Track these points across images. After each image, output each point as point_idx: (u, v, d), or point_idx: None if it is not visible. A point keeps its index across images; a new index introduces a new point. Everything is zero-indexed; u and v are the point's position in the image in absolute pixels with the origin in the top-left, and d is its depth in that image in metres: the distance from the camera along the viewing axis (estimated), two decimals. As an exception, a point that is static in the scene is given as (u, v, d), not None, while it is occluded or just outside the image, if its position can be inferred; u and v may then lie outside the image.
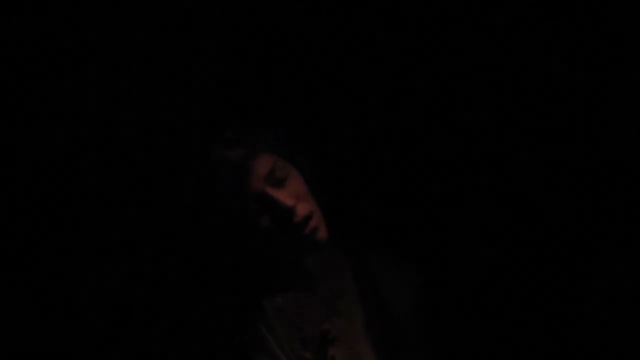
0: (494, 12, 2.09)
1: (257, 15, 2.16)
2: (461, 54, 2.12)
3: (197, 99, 2.11)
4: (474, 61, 2.12)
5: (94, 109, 2.08)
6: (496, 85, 2.11)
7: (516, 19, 2.09)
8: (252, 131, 1.82)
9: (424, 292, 1.85)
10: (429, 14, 2.12)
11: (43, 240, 2.06)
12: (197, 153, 1.85)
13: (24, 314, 2.05)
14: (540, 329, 2.02)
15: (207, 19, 2.15)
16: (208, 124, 2.05)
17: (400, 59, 2.15)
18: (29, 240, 2.06)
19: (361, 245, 1.88)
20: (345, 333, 1.75)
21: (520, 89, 2.10)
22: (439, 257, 2.07)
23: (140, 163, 2.08)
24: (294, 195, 1.72)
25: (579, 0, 2.03)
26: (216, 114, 2.10)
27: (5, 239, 2.06)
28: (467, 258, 2.08)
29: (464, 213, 2.10)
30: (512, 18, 2.09)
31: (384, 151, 2.15)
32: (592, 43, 2.04)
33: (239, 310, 1.76)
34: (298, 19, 2.15)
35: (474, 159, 2.11)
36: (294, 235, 1.71)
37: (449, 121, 2.13)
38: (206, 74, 2.13)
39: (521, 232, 2.07)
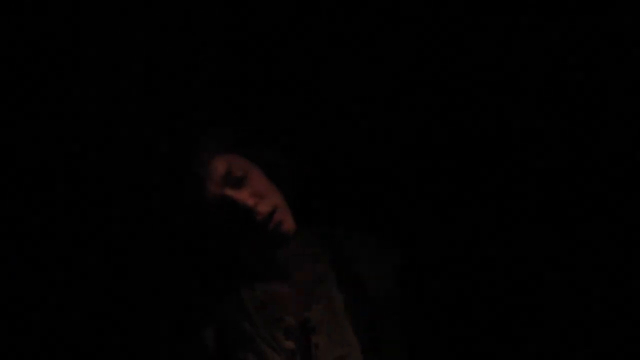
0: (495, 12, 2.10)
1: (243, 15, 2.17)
2: (455, 54, 2.13)
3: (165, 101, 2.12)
4: (466, 61, 2.13)
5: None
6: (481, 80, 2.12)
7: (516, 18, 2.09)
8: (206, 133, 1.82)
9: (402, 275, 1.85)
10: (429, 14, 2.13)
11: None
12: (161, 162, 1.86)
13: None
14: (514, 314, 2.04)
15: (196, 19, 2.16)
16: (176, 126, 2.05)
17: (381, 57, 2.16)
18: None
19: (337, 230, 1.88)
20: (326, 319, 1.76)
21: (516, 88, 2.11)
22: (418, 241, 2.09)
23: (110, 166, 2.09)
24: (254, 194, 1.72)
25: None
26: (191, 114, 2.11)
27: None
28: (447, 244, 2.10)
29: (444, 197, 2.12)
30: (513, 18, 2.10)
31: (360, 136, 2.17)
32: (592, 43, 2.05)
33: (220, 308, 1.76)
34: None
35: (450, 143, 2.13)
36: (259, 233, 1.72)
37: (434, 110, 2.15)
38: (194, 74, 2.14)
39: (502, 220, 2.09)
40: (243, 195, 1.72)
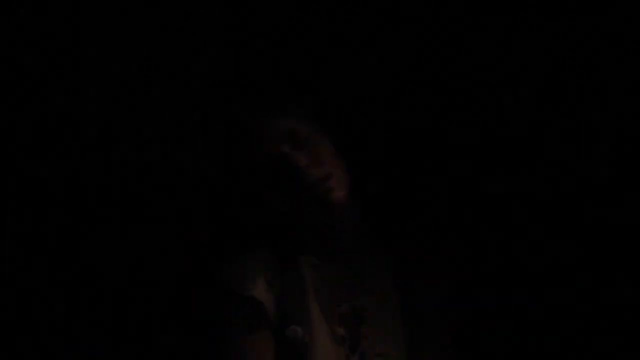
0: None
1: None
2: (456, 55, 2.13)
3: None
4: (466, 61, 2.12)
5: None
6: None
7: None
8: (283, 99, 1.82)
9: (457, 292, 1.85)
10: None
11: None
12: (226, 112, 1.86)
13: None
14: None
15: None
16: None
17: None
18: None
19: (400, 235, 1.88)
20: (380, 312, 1.76)
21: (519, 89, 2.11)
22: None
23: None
24: (313, 158, 1.72)
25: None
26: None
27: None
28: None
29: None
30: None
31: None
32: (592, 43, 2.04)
33: (281, 280, 1.75)
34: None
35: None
36: (308, 196, 1.71)
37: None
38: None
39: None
40: (299, 154, 1.71)
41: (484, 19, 2.10)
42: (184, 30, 2.13)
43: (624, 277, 2.00)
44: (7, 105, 2.09)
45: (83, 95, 2.11)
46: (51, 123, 2.11)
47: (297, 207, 1.73)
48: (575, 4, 2.03)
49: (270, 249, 1.77)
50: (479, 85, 2.11)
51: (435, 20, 2.13)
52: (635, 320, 1.97)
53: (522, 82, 2.10)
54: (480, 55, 2.11)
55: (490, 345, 2.03)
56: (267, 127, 1.74)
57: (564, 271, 2.03)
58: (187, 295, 2.06)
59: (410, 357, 1.76)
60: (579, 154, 2.06)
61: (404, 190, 2.13)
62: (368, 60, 2.15)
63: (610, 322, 1.99)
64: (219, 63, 2.12)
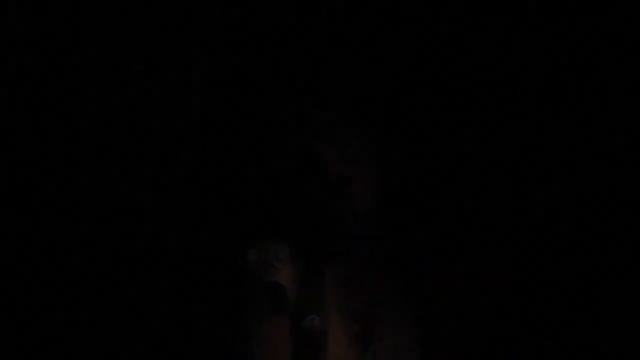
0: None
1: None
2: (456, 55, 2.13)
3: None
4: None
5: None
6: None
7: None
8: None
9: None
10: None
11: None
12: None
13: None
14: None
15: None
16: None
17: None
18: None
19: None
20: (395, 315, 1.79)
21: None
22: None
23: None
24: (342, 155, 1.76)
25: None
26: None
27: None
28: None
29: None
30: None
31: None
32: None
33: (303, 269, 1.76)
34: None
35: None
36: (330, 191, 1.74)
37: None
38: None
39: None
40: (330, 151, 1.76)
41: (484, 19, 2.11)
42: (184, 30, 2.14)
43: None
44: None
45: (83, 95, 2.11)
46: (51, 123, 2.11)
47: (321, 201, 1.76)
48: (575, 4, 2.04)
49: (295, 240, 1.77)
50: (481, 85, 2.12)
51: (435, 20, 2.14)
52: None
53: (522, 82, 2.10)
54: (481, 55, 2.12)
55: (501, 344, 2.05)
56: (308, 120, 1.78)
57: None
58: (212, 279, 2.06)
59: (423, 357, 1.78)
60: (578, 155, 2.07)
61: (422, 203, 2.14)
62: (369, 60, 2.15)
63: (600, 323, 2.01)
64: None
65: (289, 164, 1.75)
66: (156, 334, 2.07)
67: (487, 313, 2.03)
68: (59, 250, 2.07)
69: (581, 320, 2.01)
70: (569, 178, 2.06)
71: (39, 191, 2.08)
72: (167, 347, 2.08)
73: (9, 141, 2.08)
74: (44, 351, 2.05)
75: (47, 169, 2.09)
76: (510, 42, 2.09)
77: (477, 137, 2.11)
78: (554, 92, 2.08)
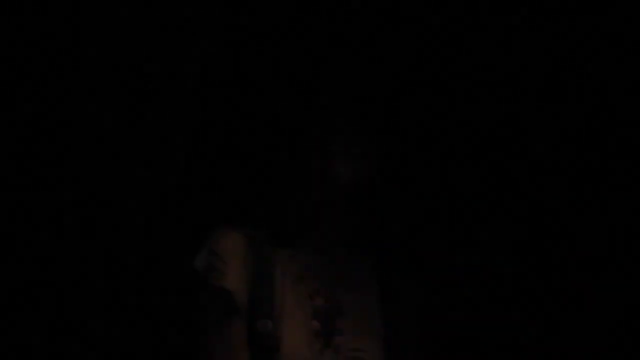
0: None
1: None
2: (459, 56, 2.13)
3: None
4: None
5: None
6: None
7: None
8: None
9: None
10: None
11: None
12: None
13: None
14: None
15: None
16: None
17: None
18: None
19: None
20: (356, 307, 1.76)
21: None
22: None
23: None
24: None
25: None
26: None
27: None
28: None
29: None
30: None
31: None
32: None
33: (254, 271, 1.75)
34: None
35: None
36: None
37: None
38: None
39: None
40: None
41: (484, 19, 2.11)
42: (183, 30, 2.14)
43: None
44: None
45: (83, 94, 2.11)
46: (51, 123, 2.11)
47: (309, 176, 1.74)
48: (575, 4, 2.04)
49: (247, 239, 1.75)
50: (477, 85, 2.12)
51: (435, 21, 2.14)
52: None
53: (522, 82, 2.10)
54: (480, 55, 2.12)
55: (467, 340, 2.05)
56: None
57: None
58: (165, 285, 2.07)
59: (387, 352, 1.75)
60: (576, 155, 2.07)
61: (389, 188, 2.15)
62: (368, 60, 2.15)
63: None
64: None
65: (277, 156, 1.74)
66: (112, 342, 2.07)
67: (456, 306, 2.04)
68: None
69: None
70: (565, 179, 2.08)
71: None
72: (125, 356, 2.08)
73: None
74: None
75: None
76: (510, 42, 2.10)
77: (464, 133, 2.12)
78: (553, 92, 2.08)
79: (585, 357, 2.01)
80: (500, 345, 2.04)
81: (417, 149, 2.12)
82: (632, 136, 2.02)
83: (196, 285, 1.74)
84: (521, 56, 2.09)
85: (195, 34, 2.14)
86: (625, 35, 2.01)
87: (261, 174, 1.83)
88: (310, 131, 1.76)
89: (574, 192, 2.06)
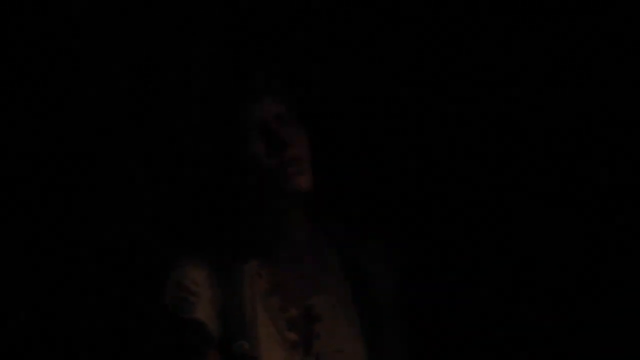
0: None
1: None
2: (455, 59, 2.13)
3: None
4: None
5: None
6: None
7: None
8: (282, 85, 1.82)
9: (406, 279, 1.84)
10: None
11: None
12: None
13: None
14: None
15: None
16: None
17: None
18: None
19: (346, 229, 1.87)
20: (331, 309, 1.74)
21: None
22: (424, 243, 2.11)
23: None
24: (290, 140, 1.71)
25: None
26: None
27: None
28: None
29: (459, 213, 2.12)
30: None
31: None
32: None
33: (222, 290, 1.72)
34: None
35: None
36: (278, 170, 1.69)
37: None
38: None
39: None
40: (282, 132, 1.70)
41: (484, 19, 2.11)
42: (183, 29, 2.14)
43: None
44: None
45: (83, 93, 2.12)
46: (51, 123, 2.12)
47: (262, 177, 1.71)
48: (575, 3, 2.04)
49: (210, 263, 1.73)
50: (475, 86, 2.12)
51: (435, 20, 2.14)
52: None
53: (522, 82, 2.10)
54: (480, 55, 2.12)
55: (444, 336, 2.05)
56: (262, 99, 1.74)
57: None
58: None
59: (369, 350, 1.74)
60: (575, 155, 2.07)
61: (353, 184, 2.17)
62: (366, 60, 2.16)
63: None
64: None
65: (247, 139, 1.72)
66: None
67: (436, 311, 2.05)
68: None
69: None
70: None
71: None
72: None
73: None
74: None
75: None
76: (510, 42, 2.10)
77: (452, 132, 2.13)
78: (554, 91, 2.08)
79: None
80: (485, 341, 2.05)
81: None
82: (632, 136, 2.01)
83: (163, 320, 1.72)
84: (521, 56, 2.09)
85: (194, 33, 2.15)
86: (625, 35, 2.00)
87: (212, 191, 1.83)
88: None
89: (574, 191, 2.06)
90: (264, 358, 1.67)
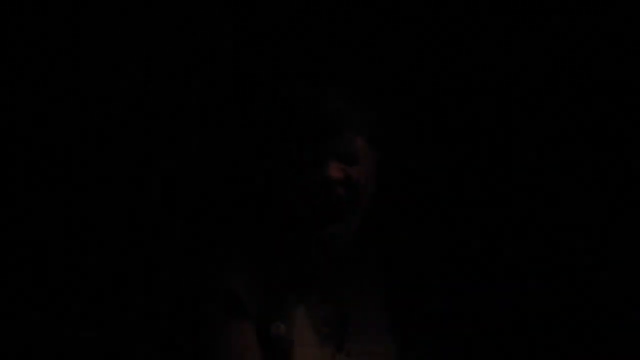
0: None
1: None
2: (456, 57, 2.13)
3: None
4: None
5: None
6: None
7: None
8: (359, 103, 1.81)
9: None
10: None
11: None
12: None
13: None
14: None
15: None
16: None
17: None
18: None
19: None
20: (364, 309, 1.76)
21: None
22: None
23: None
24: (359, 173, 1.72)
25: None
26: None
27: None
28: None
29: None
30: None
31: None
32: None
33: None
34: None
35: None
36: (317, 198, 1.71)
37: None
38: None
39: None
40: (334, 166, 1.71)
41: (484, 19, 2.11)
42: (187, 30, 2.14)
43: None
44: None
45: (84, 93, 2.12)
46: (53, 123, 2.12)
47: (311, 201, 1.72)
48: (575, 3, 2.04)
49: (258, 247, 1.76)
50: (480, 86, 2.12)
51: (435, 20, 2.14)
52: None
53: (522, 82, 2.10)
54: (480, 55, 2.12)
55: (475, 344, 2.05)
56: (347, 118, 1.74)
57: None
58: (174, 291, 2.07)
59: (400, 356, 1.76)
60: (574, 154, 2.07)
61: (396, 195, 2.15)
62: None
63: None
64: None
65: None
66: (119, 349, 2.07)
67: (462, 311, 2.05)
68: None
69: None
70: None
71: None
72: None
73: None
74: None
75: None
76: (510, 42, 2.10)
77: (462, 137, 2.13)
78: (553, 92, 2.08)
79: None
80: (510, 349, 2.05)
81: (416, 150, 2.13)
82: (632, 136, 2.02)
83: (200, 289, 1.74)
84: (521, 56, 2.09)
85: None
86: (625, 35, 2.01)
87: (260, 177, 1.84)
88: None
89: (573, 191, 2.07)
90: (297, 344, 1.69)
